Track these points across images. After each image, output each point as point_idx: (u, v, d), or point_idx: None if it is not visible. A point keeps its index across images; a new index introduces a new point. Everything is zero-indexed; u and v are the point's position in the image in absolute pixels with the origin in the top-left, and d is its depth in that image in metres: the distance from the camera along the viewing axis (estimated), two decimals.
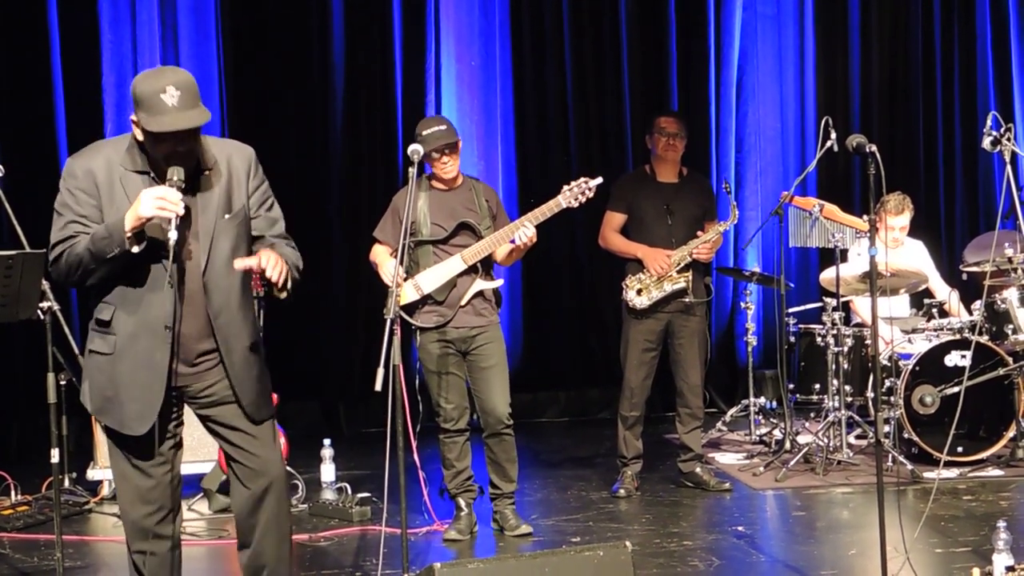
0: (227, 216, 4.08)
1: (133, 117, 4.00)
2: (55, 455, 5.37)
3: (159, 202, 3.84)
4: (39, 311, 5.55)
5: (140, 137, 4.00)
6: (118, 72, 9.09)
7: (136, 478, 4.15)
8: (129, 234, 3.87)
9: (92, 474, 7.27)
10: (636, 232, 7.08)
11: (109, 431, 4.17)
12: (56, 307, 5.69)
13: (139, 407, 4.05)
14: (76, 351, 6.61)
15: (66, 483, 7.17)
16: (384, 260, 6.12)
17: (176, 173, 3.91)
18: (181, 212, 3.87)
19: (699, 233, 6.99)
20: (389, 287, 5.25)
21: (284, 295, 4.09)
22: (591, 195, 6.08)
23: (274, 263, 3.99)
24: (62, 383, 6.29)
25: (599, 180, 6.09)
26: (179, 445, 4.25)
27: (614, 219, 7.14)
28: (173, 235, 3.86)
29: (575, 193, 6.03)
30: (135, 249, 3.90)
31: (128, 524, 4.21)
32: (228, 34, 9.21)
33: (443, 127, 6.08)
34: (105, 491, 7.25)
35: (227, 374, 4.12)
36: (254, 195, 4.19)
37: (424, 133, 6.05)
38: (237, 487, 4.24)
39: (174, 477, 4.22)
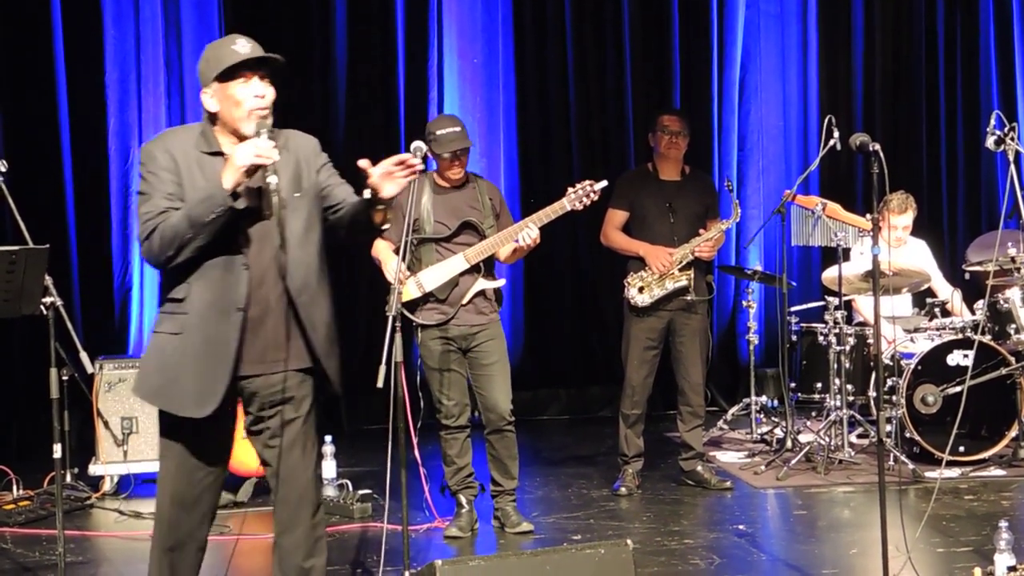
0: (297, 194, 4.11)
1: (204, 91, 4.07)
2: (57, 450, 5.36)
3: (255, 149, 3.89)
4: (42, 307, 5.55)
5: (214, 108, 4.05)
6: (121, 68, 9.08)
7: (181, 480, 4.12)
8: (230, 190, 3.88)
9: (94, 469, 7.29)
10: (638, 230, 7.08)
11: (164, 423, 4.14)
12: (59, 303, 5.69)
13: (201, 388, 4.01)
14: (79, 346, 6.62)
15: (68, 478, 7.16)
16: (387, 257, 6.11)
17: (263, 126, 3.97)
18: (277, 157, 3.92)
19: (701, 231, 6.99)
20: (392, 284, 5.25)
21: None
22: (596, 198, 6.06)
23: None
24: (64, 379, 6.28)
25: (604, 183, 6.08)
26: (229, 449, 4.23)
27: (616, 217, 7.14)
28: (273, 179, 3.90)
29: (579, 195, 6.01)
30: (240, 205, 3.92)
31: (163, 523, 4.17)
32: (231, 30, 9.16)
33: (457, 129, 6.06)
34: (107, 486, 7.27)
35: (311, 350, 4.14)
36: (322, 172, 4.25)
37: (438, 133, 6.03)
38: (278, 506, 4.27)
39: (218, 479, 4.21)
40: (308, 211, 4.15)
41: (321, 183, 4.22)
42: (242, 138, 4.01)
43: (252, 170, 3.92)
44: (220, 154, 4.03)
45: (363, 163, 4.06)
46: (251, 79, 4.02)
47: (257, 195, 4.00)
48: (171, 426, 4.12)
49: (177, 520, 4.14)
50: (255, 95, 4.02)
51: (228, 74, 4.00)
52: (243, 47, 4.02)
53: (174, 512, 4.14)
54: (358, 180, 10.09)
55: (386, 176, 4.05)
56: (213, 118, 4.09)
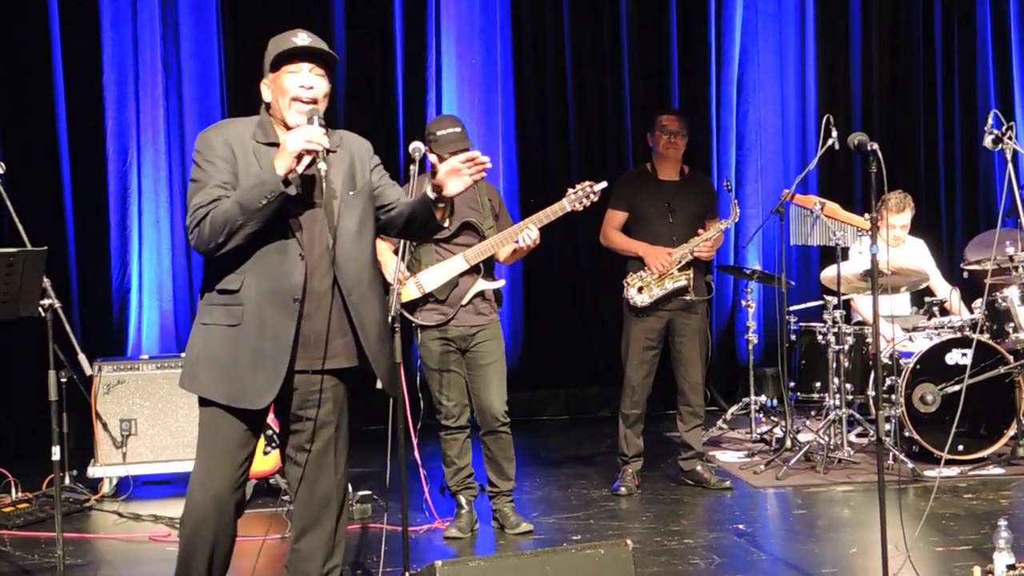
0: (352, 193, 4.12)
1: (263, 81, 4.11)
2: (56, 452, 5.36)
3: (306, 135, 3.90)
4: (40, 309, 5.55)
5: (268, 97, 4.10)
6: (119, 70, 9.09)
7: (221, 478, 4.08)
8: (282, 176, 3.88)
9: (93, 471, 7.28)
10: (637, 230, 7.08)
11: (209, 417, 4.09)
12: (57, 304, 5.69)
13: (263, 380, 4.00)
14: (77, 348, 6.61)
15: (67, 480, 7.17)
16: (387, 258, 6.11)
17: (315, 113, 3.99)
18: (328, 145, 3.94)
19: (700, 231, 6.99)
20: (391, 285, 5.24)
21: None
22: (595, 199, 6.05)
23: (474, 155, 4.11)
24: (63, 381, 6.28)
25: (603, 184, 6.06)
26: (255, 446, 4.20)
27: (615, 217, 7.14)
28: (323, 167, 3.92)
29: (579, 196, 6.00)
30: (292, 191, 3.92)
31: (196, 518, 4.11)
32: (229, 32, 9.21)
33: (457, 129, 6.06)
34: (106, 489, 7.26)
35: (362, 351, 4.14)
36: (374, 172, 4.27)
37: (438, 134, 6.03)
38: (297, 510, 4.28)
39: (246, 476, 4.19)
40: (362, 209, 4.16)
41: (374, 183, 4.25)
42: (289, 127, 4.04)
43: (303, 156, 3.93)
44: (277, 144, 4.04)
45: (433, 158, 4.14)
46: (302, 69, 4.05)
47: (309, 183, 4.01)
48: (215, 418, 4.08)
49: (206, 512, 4.09)
50: (301, 84, 4.04)
51: (279, 62, 4.04)
52: (303, 39, 4.07)
53: (206, 503, 4.08)
54: None
55: (452, 173, 4.08)
56: (268, 108, 4.13)
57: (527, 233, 5.99)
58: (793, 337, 8.31)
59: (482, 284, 6.12)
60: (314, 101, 4.07)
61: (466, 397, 6.23)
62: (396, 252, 5.67)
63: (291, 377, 4.07)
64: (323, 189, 3.98)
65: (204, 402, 4.12)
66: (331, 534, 4.28)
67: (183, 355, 4.35)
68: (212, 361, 4.05)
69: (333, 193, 4.04)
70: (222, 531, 4.12)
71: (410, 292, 6.06)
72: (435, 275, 6.07)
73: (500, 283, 6.24)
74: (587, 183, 6.01)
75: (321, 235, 4.05)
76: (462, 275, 6.09)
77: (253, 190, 3.89)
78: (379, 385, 4.67)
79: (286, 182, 3.91)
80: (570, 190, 6.03)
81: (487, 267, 6.14)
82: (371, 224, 4.20)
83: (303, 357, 4.07)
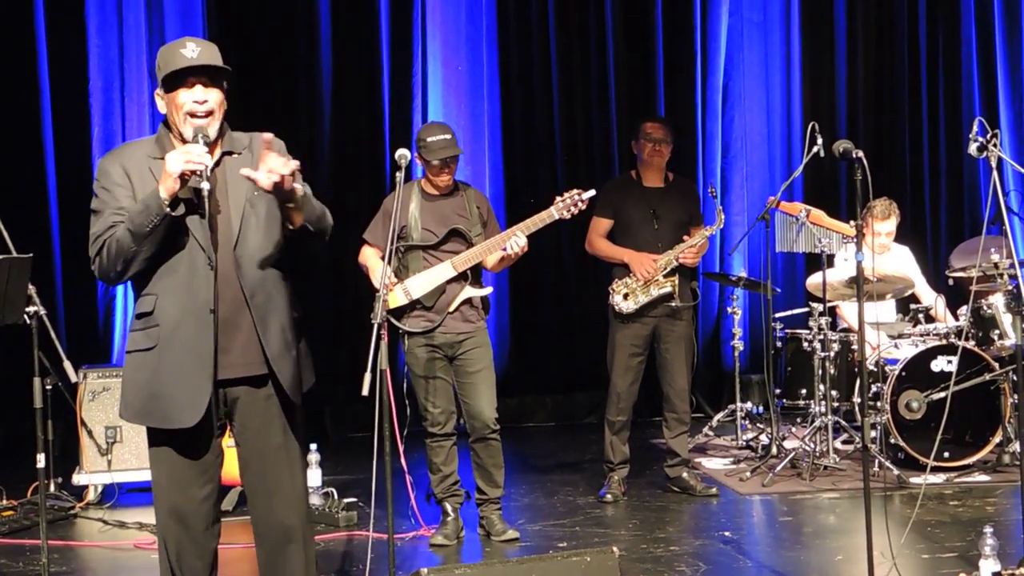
0: (256, 193, 4.06)
1: (157, 92, 4.05)
2: (41, 460, 5.34)
3: (184, 155, 3.85)
4: (25, 316, 5.54)
5: (165, 109, 4.03)
6: (105, 77, 9.08)
7: (175, 494, 4.05)
8: (166, 199, 3.84)
9: (78, 479, 7.26)
10: (622, 237, 7.08)
11: (152, 439, 4.07)
12: (43, 312, 5.67)
13: (186, 396, 3.96)
14: (62, 356, 6.59)
15: (52, 488, 7.14)
16: (375, 264, 6.11)
17: (199, 131, 3.94)
18: (209, 163, 3.87)
19: (685, 238, 7.00)
20: (377, 291, 5.24)
21: (298, 193, 3.97)
22: (583, 207, 6.07)
23: (277, 161, 3.89)
24: (48, 388, 6.27)
25: (591, 192, 6.08)
26: (221, 458, 4.16)
27: (601, 224, 7.14)
28: (205, 185, 3.85)
29: (567, 204, 6.01)
30: (175, 212, 3.88)
31: (164, 539, 4.10)
32: (215, 40, 9.12)
33: (447, 136, 6.07)
34: (91, 496, 7.24)
35: (264, 354, 4.04)
36: None
37: (429, 140, 6.05)
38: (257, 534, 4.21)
39: (213, 493, 4.13)
40: (267, 210, 4.07)
41: None
42: (185, 142, 3.99)
43: (187, 176, 3.87)
44: None
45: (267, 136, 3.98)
46: (194, 86, 3.99)
47: (196, 200, 3.94)
48: (159, 441, 4.06)
49: (177, 535, 4.08)
50: (194, 100, 3.98)
51: (172, 80, 3.98)
52: (191, 52, 3.98)
53: (172, 526, 4.08)
54: (345, 179, 10.01)
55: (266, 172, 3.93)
56: (164, 122, 4.09)
57: (515, 240, 5.99)
58: (779, 344, 8.33)
59: (469, 291, 6.12)
60: (210, 114, 4.01)
61: (453, 404, 6.23)
62: (383, 258, 5.66)
63: (223, 389, 4.04)
64: (206, 207, 3.90)
65: (149, 440, 4.10)
66: (300, 549, 4.20)
67: None
68: (137, 387, 4.04)
69: (217, 208, 3.97)
70: (188, 552, 4.09)
71: (397, 298, 6.05)
72: (422, 282, 6.07)
73: (488, 290, 6.24)
74: (575, 191, 6.02)
75: (225, 243, 4.00)
76: (449, 282, 6.08)
77: (140, 215, 3.87)
78: (364, 392, 4.67)
79: (175, 203, 3.87)
80: (558, 198, 6.04)
81: (474, 274, 6.14)
82: (277, 225, 4.08)
83: (237, 365, 4.03)
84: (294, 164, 3.92)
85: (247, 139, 4.15)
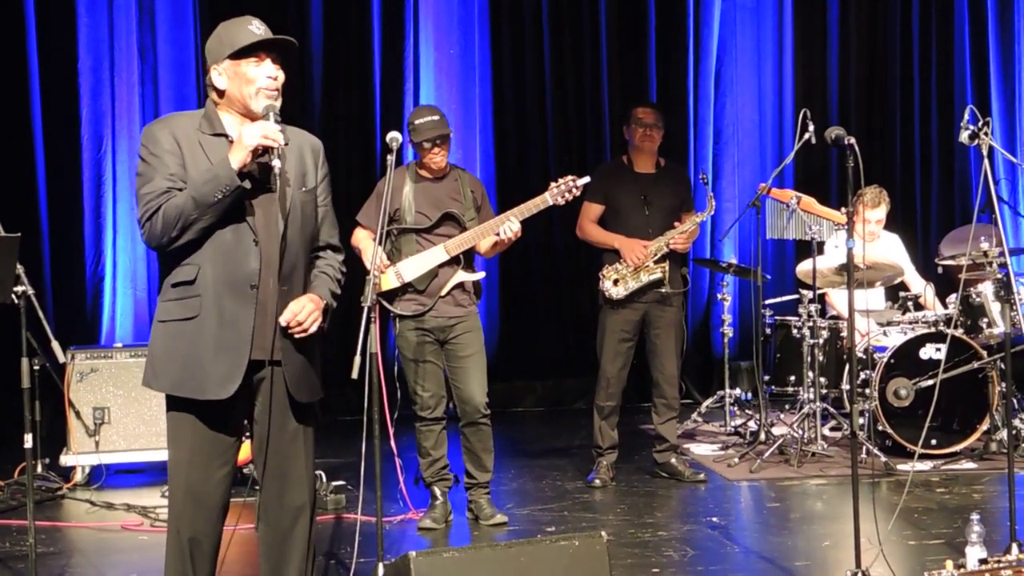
0: (303, 189, 4.10)
1: (214, 68, 4.04)
2: (28, 440, 5.32)
3: (263, 130, 3.89)
4: (13, 296, 5.51)
5: (223, 86, 4.03)
6: (94, 56, 9.04)
7: (194, 472, 4.04)
8: (237, 169, 3.86)
9: (65, 460, 7.24)
10: (613, 222, 7.08)
11: (180, 413, 4.04)
12: (30, 292, 5.64)
13: (224, 368, 3.95)
14: (50, 336, 6.57)
15: (39, 469, 7.13)
16: (368, 246, 6.10)
17: (271, 109, 3.97)
18: (284, 142, 3.92)
19: (676, 224, 7.00)
20: (369, 273, 5.22)
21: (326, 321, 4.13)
22: (577, 193, 6.09)
23: (305, 315, 4.01)
24: (36, 368, 6.24)
25: (586, 179, 6.09)
26: (240, 442, 4.16)
27: (591, 209, 7.14)
28: (277, 163, 3.91)
29: (562, 191, 6.02)
30: (246, 184, 3.90)
31: (179, 517, 4.09)
32: (206, 18, 9.15)
33: (436, 117, 6.08)
34: (78, 477, 7.23)
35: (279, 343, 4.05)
36: (322, 183, 4.24)
37: (417, 122, 6.06)
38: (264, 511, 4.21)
39: (230, 475, 4.13)
40: (311, 208, 4.14)
41: (319, 195, 4.22)
42: (251, 116, 4.01)
43: (259, 151, 3.92)
44: (223, 135, 4.01)
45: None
46: (264, 60, 4.02)
47: (263, 172, 3.98)
48: (186, 415, 4.03)
49: (193, 515, 4.07)
50: (267, 75, 4.02)
51: (242, 53, 4.00)
52: (258, 28, 4.04)
53: (189, 506, 4.07)
54: (337, 162, 10.09)
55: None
56: (220, 96, 4.07)
57: (508, 225, 5.98)
58: (768, 331, 8.33)
59: (462, 275, 6.11)
60: (278, 90, 4.05)
61: (443, 388, 6.22)
62: (375, 240, 5.64)
63: (252, 368, 4.03)
64: (277, 183, 3.96)
65: (170, 405, 4.08)
66: (303, 534, 4.21)
67: None
68: (172, 357, 4.01)
69: (287, 182, 4.02)
70: (200, 532, 4.09)
71: (389, 281, 6.05)
72: (415, 265, 6.06)
73: (480, 275, 6.23)
74: (570, 177, 6.03)
75: (273, 224, 4.02)
76: (442, 266, 6.08)
77: (207, 185, 3.87)
78: (354, 375, 4.66)
79: (241, 175, 3.89)
80: (552, 184, 6.05)
81: (467, 259, 6.14)
82: (313, 223, 4.16)
83: (259, 346, 4.03)
84: (313, 328, 4.06)
85: (290, 132, 4.15)
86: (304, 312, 4.00)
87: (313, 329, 4.04)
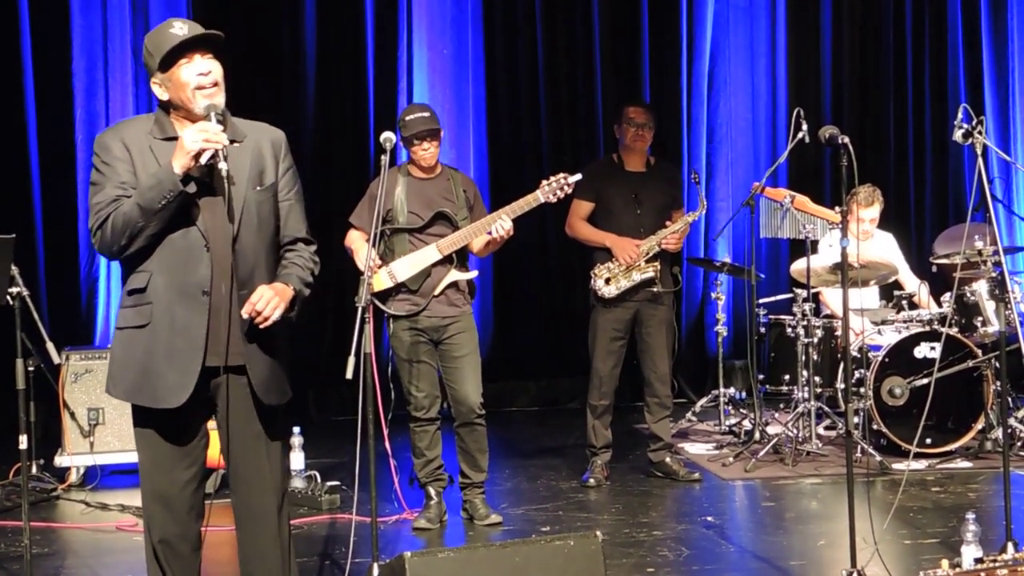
0: (258, 188, 4.05)
1: (152, 81, 4.00)
2: (23, 441, 5.33)
3: (202, 134, 3.83)
4: (8, 297, 5.51)
5: (164, 96, 3.99)
6: (88, 56, 9.03)
7: (159, 477, 4.04)
8: (180, 175, 3.83)
9: (60, 461, 7.24)
10: (604, 221, 7.08)
11: (140, 419, 4.04)
12: (25, 293, 5.65)
13: (176, 376, 3.93)
14: (45, 337, 6.57)
15: (34, 470, 7.12)
16: (360, 247, 6.10)
17: (212, 109, 3.92)
18: (226, 141, 3.87)
19: (667, 223, 7.00)
20: (363, 273, 5.22)
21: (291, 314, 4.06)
22: (569, 191, 6.09)
23: (264, 303, 3.93)
24: (30, 369, 6.24)
25: (578, 177, 6.10)
26: (206, 441, 4.14)
27: (582, 207, 7.13)
28: (224, 166, 3.86)
29: (553, 188, 6.02)
30: (190, 189, 3.86)
31: (149, 520, 4.09)
32: (199, 19, 9.06)
33: (426, 114, 6.10)
34: (73, 478, 7.22)
35: (244, 346, 4.01)
36: (284, 177, 4.18)
37: (407, 119, 6.09)
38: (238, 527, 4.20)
39: (196, 476, 4.11)
40: (268, 207, 4.09)
41: (280, 188, 4.16)
42: (197, 118, 3.95)
43: (201, 154, 3.85)
44: (175, 139, 3.96)
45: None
46: (193, 58, 3.96)
47: (210, 175, 3.93)
48: (145, 421, 4.03)
49: (162, 519, 4.07)
50: (198, 72, 3.95)
51: (170, 58, 3.95)
52: (180, 29, 3.96)
53: (157, 510, 4.07)
54: (330, 163, 9.98)
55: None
56: (167, 106, 4.04)
57: (500, 224, 5.98)
58: (762, 330, 8.34)
59: (455, 275, 6.11)
60: (215, 84, 3.98)
61: (437, 388, 6.22)
62: (368, 241, 5.65)
63: (209, 374, 4.00)
64: (224, 184, 3.90)
65: (133, 410, 4.07)
66: (274, 536, 4.17)
67: None
68: (128, 364, 4.00)
69: (233, 181, 3.95)
70: (172, 535, 4.09)
71: (382, 281, 6.05)
72: (408, 265, 6.06)
73: (473, 273, 6.23)
74: (561, 175, 6.04)
75: (224, 227, 3.97)
76: (435, 265, 6.08)
77: (151, 190, 3.83)
78: (349, 375, 4.66)
79: (186, 180, 3.86)
80: (544, 182, 6.05)
81: (460, 258, 6.13)
82: (273, 222, 4.11)
83: (214, 352, 3.99)
84: (276, 315, 3.95)
85: (248, 127, 4.13)
86: (263, 301, 3.93)
87: (276, 316, 3.96)
